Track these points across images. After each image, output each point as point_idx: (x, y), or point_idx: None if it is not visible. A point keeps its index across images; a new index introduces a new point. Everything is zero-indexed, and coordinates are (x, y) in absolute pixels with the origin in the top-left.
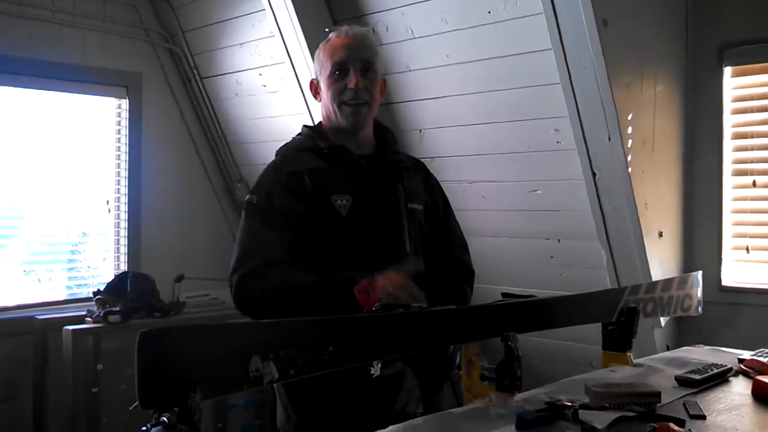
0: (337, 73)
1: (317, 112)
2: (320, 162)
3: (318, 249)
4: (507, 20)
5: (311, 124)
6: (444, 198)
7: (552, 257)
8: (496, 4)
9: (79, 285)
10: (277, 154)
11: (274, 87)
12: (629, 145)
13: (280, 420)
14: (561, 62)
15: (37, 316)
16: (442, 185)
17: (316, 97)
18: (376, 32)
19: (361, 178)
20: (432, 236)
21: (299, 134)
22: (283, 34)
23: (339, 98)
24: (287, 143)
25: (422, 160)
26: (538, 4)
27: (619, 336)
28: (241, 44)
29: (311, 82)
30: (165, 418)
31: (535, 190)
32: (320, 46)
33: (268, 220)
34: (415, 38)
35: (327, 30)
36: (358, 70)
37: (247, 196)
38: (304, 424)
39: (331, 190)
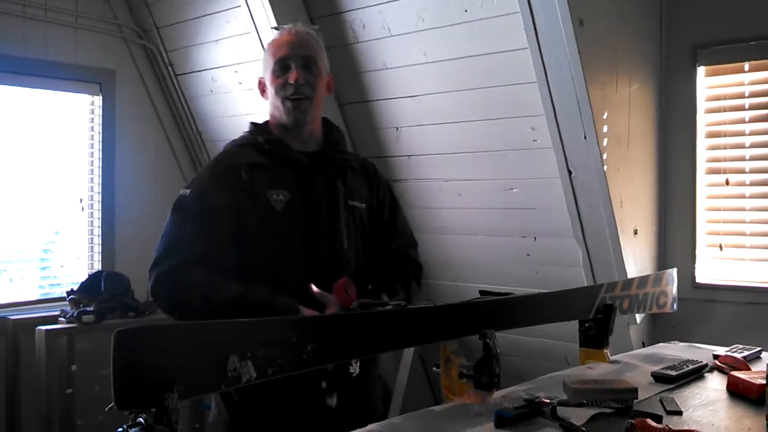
0: (279, 70)
1: None
2: (260, 157)
3: (252, 244)
4: (483, 19)
5: (259, 122)
6: (391, 197)
7: (528, 255)
8: (473, 2)
9: (52, 285)
10: (224, 149)
11: (250, 84)
12: (605, 144)
13: (212, 414)
14: (537, 61)
15: (9, 317)
16: (417, 183)
17: (263, 96)
18: (353, 30)
19: (300, 174)
20: (376, 235)
21: (247, 130)
22: (259, 31)
23: (281, 93)
24: (234, 139)
25: (399, 158)
26: (515, 4)
27: (596, 333)
28: (216, 41)
29: (259, 81)
30: (142, 419)
31: (512, 188)
32: (266, 46)
33: (195, 216)
34: (392, 36)
35: (272, 28)
36: (299, 67)
37: (181, 190)
38: (234, 421)
39: (269, 185)
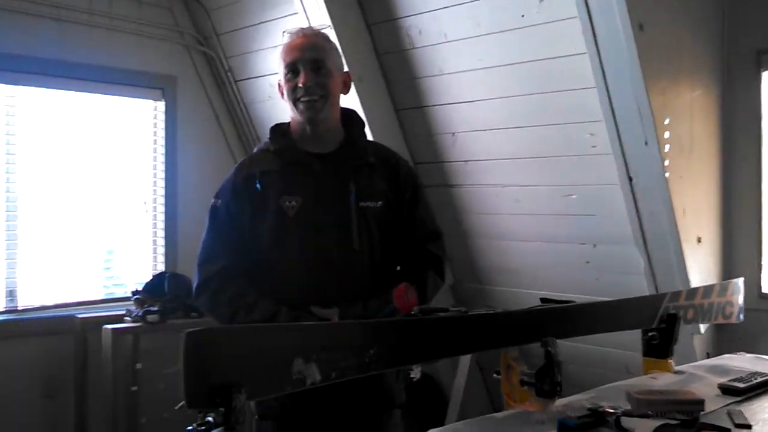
0: (289, 73)
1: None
2: (275, 163)
3: (267, 251)
4: (540, 24)
5: (282, 123)
6: (414, 190)
7: (587, 262)
8: (530, 8)
9: (116, 285)
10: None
11: None
12: (666, 150)
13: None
14: (596, 66)
15: (77, 315)
16: (474, 189)
17: (282, 98)
18: (409, 35)
19: (312, 178)
20: (395, 231)
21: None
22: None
23: (293, 96)
24: (260, 144)
25: (455, 163)
26: (572, 8)
27: (660, 343)
28: (274, 47)
29: (278, 85)
30: (210, 418)
31: (570, 195)
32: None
33: (223, 226)
34: (448, 41)
35: (283, 32)
36: (308, 69)
37: (212, 201)
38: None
39: (281, 192)
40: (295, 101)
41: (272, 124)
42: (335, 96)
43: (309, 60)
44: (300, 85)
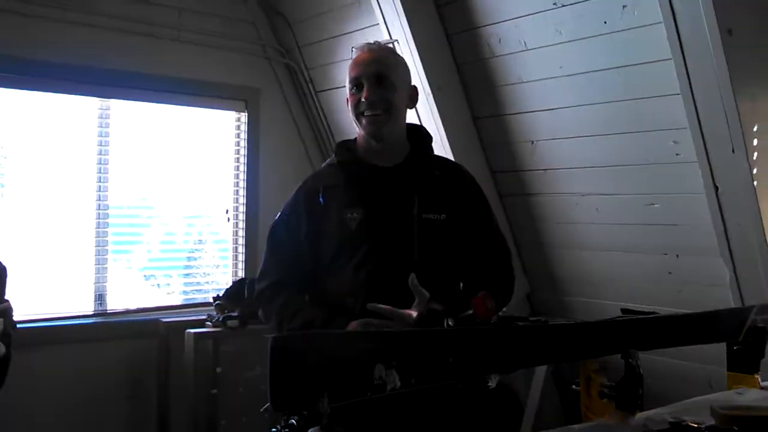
0: (354, 88)
1: (429, 124)
2: (338, 177)
3: (330, 264)
4: (623, 30)
5: (349, 139)
6: (482, 205)
7: (670, 273)
8: (613, 14)
9: (195, 290)
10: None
11: None
12: (755, 158)
13: None
14: (681, 72)
15: (161, 319)
16: (553, 197)
17: (348, 111)
18: (489, 44)
19: (376, 190)
20: (460, 245)
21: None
22: (396, 48)
23: (356, 111)
24: (330, 158)
25: (534, 172)
26: (657, 14)
27: (746, 357)
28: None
29: (347, 100)
30: (294, 421)
31: (652, 204)
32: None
33: (281, 243)
34: (528, 50)
35: (352, 48)
36: (372, 84)
37: (276, 216)
38: None
39: (344, 205)
40: (358, 115)
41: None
42: (400, 110)
43: (373, 74)
44: (363, 99)
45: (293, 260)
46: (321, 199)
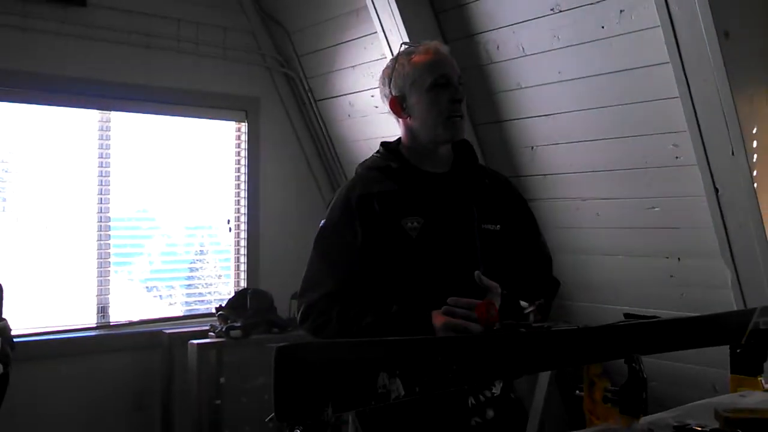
0: (437, 87)
1: None
2: (391, 183)
3: (389, 273)
4: (621, 35)
5: (389, 142)
6: (529, 214)
7: (672, 276)
8: (610, 18)
9: (198, 301)
10: (355, 172)
11: (386, 108)
12: (754, 159)
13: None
14: (680, 76)
15: (164, 330)
16: (554, 203)
17: (400, 114)
18: (487, 51)
19: (433, 198)
20: (512, 256)
21: (377, 152)
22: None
23: (447, 111)
24: (365, 161)
25: (534, 177)
26: (654, 18)
27: (749, 359)
28: (353, 66)
29: (393, 100)
30: (299, 431)
31: (653, 207)
32: (400, 61)
33: (331, 250)
34: (526, 55)
35: (406, 44)
36: (458, 84)
37: (321, 223)
38: None
39: (402, 213)
40: (447, 117)
41: (350, 142)
42: None
43: (457, 75)
44: (457, 98)
45: (347, 269)
46: (377, 205)
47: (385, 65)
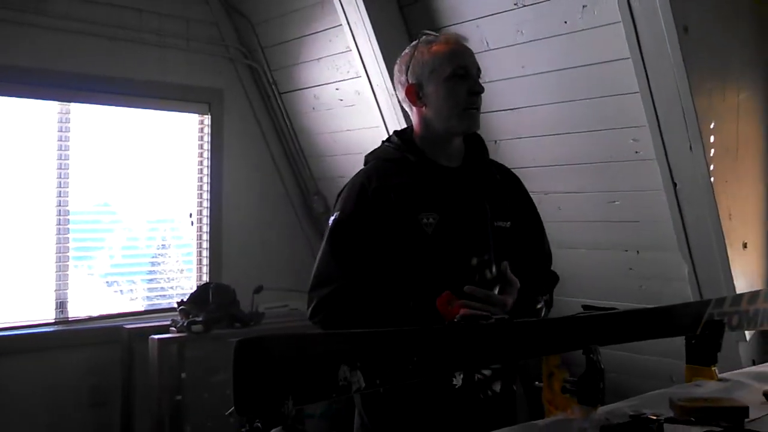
0: (456, 77)
1: (393, 125)
2: (407, 176)
3: (403, 268)
4: (584, 30)
5: (399, 130)
6: (535, 211)
7: (631, 269)
8: (573, 14)
9: (159, 296)
10: (366, 162)
11: (351, 101)
12: (711, 154)
13: (356, 424)
14: (640, 71)
15: (124, 326)
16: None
17: (416, 103)
18: None
19: (448, 194)
20: (522, 252)
21: (388, 141)
22: (360, 49)
23: (465, 102)
24: (375, 150)
25: None
26: (616, 13)
27: (704, 350)
28: (318, 59)
29: (410, 88)
30: (258, 425)
31: (614, 201)
32: (419, 49)
33: (345, 243)
34: (490, 50)
35: (426, 32)
36: (477, 76)
37: (334, 214)
38: (377, 430)
39: (418, 207)
40: (465, 108)
41: (315, 135)
42: None
43: (476, 67)
44: (477, 90)
45: (361, 263)
46: (393, 197)
47: (403, 53)
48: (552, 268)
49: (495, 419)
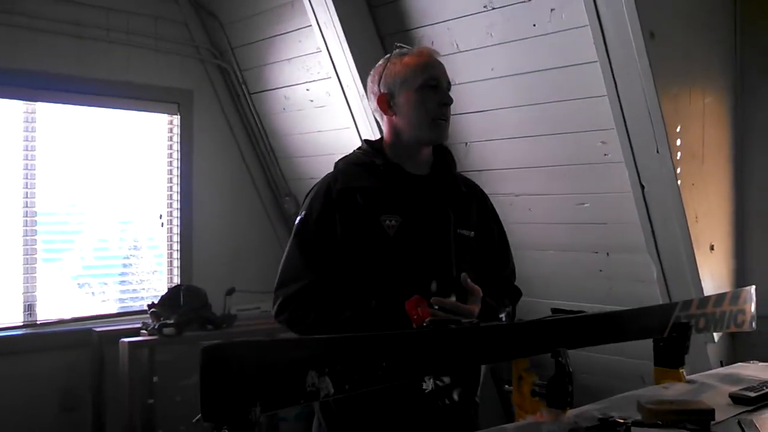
0: (428, 88)
1: (364, 126)
2: (374, 180)
3: (364, 269)
4: (552, 33)
5: (372, 140)
6: (499, 224)
7: (600, 271)
8: (542, 17)
9: (132, 298)
10: (335, 166)
11: (321, 102)
12: (678, 158)
13: (314, 427)
14: (607, 75)
15: (94, 329)
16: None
17: (387, 112)
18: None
19: (413, 198)
20: (482, 264)
21: (359, 148)
22: (330, 50)
23: (434, 113)
24: (346, 156)
25: (469, 173)
26: (584, 17)
27: (672, 352)
28: (288, 60)
29: (381, 97)
30: (226, 431)
31: (583, 203)
32: (392, 60)
33: (310, 243)
34: (460, 52)
35: (398, 45)
36: (447, 87)
37: (300, 214)
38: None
39: (381, 209)
40: (434, 119)
41: (285, 135)
42: None
43: (447, 79)
44: (446, 102)
45: (326, 262)
46: (359, 199)
47: (376, 64)
48: (515, 283)
49: (452, 428)
